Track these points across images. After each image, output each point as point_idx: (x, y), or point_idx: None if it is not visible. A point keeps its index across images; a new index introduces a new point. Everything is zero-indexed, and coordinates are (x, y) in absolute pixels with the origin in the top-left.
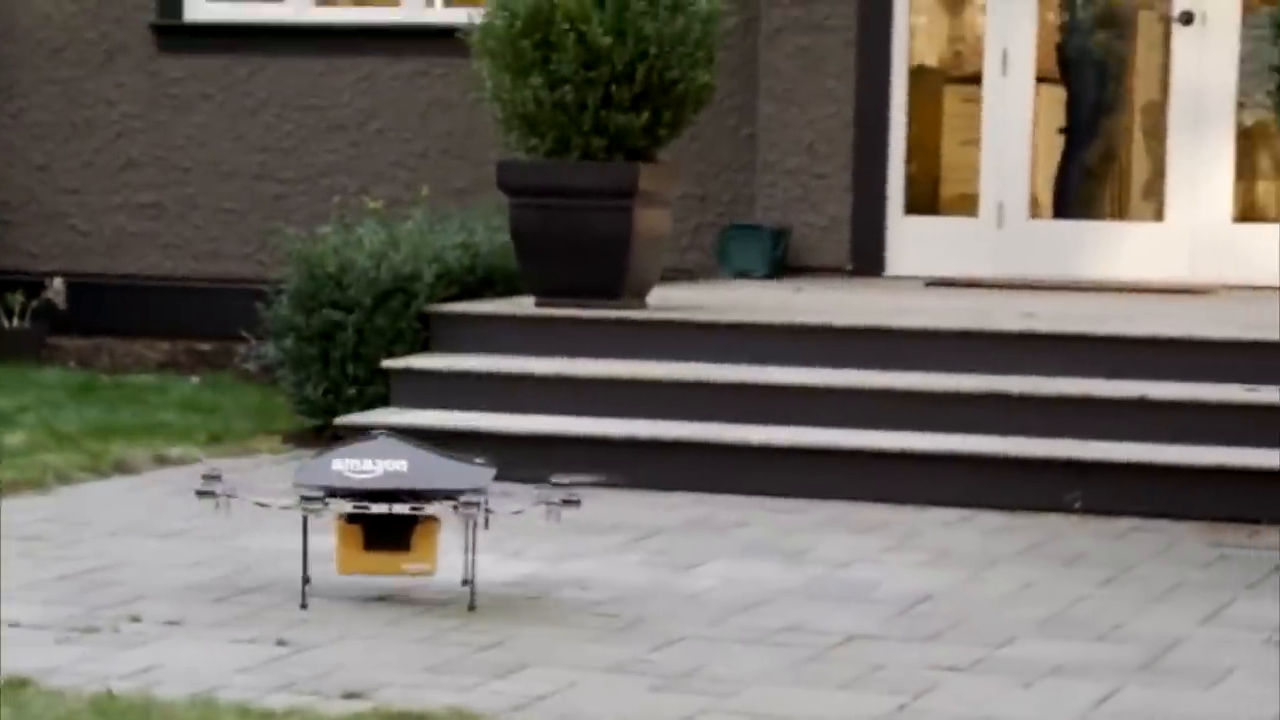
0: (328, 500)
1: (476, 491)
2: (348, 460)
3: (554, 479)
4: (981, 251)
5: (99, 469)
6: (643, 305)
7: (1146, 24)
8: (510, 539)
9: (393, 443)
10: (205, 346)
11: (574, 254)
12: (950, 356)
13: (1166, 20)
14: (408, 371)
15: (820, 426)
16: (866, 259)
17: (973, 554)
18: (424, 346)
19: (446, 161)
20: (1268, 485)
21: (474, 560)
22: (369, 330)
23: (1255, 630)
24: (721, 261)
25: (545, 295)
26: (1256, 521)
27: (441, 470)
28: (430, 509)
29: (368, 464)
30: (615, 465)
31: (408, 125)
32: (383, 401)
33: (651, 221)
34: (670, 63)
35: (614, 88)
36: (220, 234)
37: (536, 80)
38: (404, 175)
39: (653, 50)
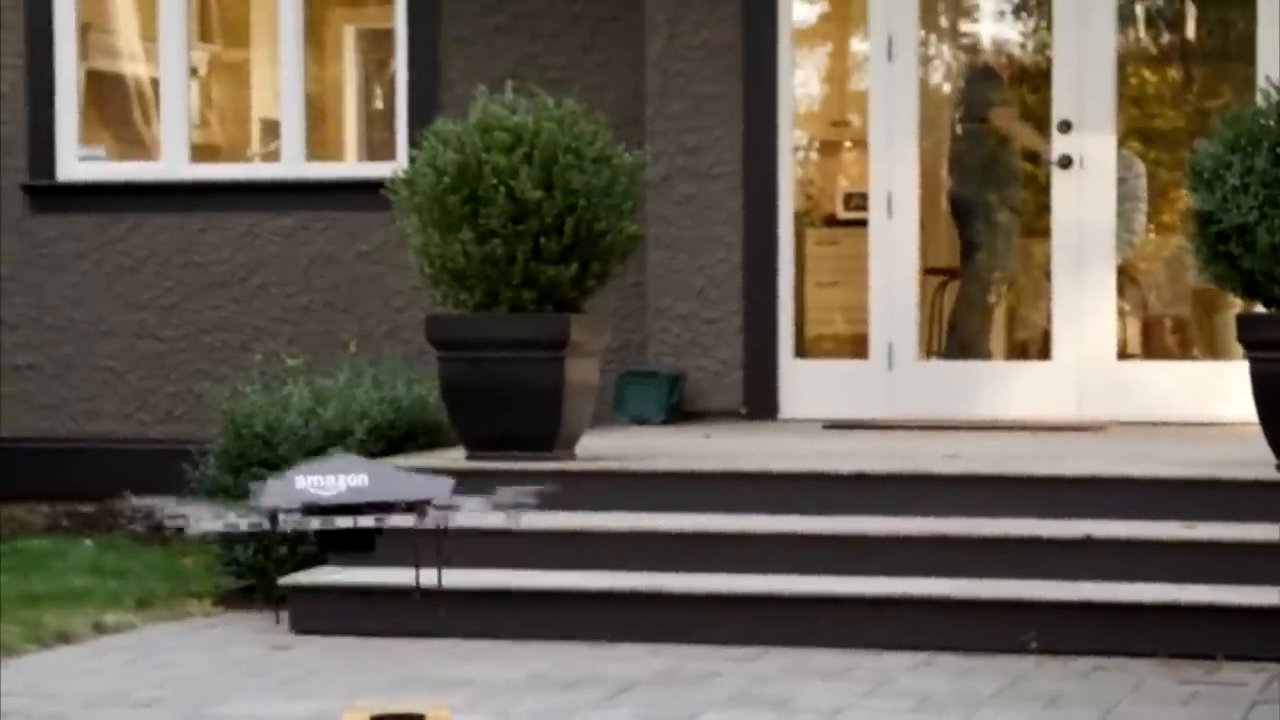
0: (300, 515)
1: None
2: (310, 477)
3: (499, 487)
4: (874, 393)
5: (41, 639)
6: (572, 456)
7: (1028, 167)
8: (486, 699)
9: (351, 459)
10: (87, 508)
11: (506, 406)
12: (886, 500)
13: (1047, 163)
14: None
15: (765, 573)
16: (760, 403)
17: (952, 698)
18: None
19: (331, 314)
20: (1219, 621)
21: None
22: None
23: None
24: (617, 408)
25: (476, 448)
26: (1212, 657)
27: (401, 482)
28: (394, 519)
29: (330, 480)
30: (562, 619)
31: (290, 280)
32: (315, 560)
33: (582, 372)
34: (598, 214)
35: (543, 240)
36: (99, 393)
37: (466, 235)
38: (287, 330)
39: (581, 203)
